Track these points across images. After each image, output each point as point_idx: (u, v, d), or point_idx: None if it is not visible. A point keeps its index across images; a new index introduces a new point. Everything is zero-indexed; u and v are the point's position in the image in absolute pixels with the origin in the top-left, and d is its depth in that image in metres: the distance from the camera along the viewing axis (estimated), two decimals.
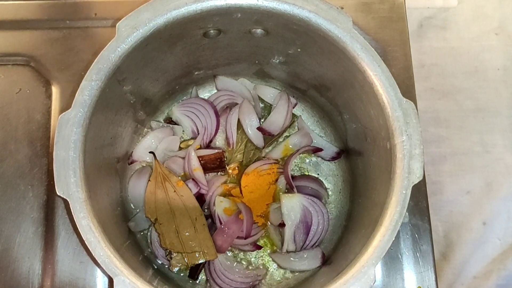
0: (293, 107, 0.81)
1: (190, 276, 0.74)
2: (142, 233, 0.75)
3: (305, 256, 0.74)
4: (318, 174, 0.80)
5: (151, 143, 0.77)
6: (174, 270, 0.72)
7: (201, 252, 0.70)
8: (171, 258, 0.71)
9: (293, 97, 0.81)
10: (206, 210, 0.76)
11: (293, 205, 0.74)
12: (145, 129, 0.79)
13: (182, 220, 0.71)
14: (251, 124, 0.78)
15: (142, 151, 0.77)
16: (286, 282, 0.75)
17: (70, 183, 0.55)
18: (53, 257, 0.74)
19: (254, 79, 0.82)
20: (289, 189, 0.76)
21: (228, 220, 0.73)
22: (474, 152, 0.90)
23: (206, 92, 0.83)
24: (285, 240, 0.73)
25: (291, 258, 0.75)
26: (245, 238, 0.73)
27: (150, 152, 0.76)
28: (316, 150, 0.79)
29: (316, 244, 0.75)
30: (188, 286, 0.74)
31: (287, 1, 0.59)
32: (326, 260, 0.73)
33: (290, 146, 0.79)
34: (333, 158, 0.80)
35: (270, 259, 0.76)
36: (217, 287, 0.73)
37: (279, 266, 0.76)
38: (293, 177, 0.77)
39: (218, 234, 0.72)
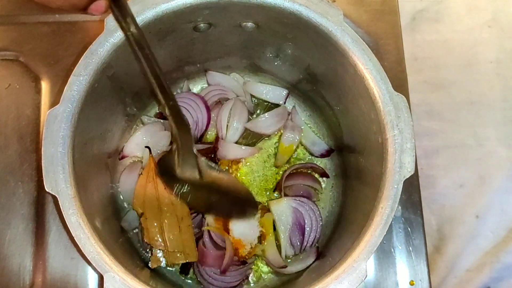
0: (285, 101, 0.81)
1: (182, 272, 0.74)
2: (134, 231, 0.75)
3: (300, 257, 0.74)
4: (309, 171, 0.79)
5: (142, 139, 0.77)
6: (152, 267, 0.71)
7: (182, 253, 0.69)
8: (151, 254, 0.70)
9: (287, 90, 0.81)
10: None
11: (282, 209, 0.73)
12: (135, 126, 0.79)
13: (168, 217, 0.70)
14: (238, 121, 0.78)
15: (133, 146, 0.77)
16: (278, 277, 0.75)
17: (59, 179, 0.54)
18: (44, 254, 0.74)
19: (246, 73, 0.82)
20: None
21: (209, 253, 0.72)
22: (467, 145, 0.90)
23: (197, 87, 0.82)
24: (282, 246, 0.73)
25: (288, 261, 0.74)
26: (221, 272, 0.72)
27: (146, 147, 0.75)
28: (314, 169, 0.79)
29: (314, 242, 0.74)
30: (180, 281, 0.74)
31: None
32: (319, 255, 0.73)
33: (285, 145, 0.79)
34: (322, 155, 0.79)
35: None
36: (206, 283, 0.72)
37: (276, 272, 0.75)
38: (286, 177, 0.77)
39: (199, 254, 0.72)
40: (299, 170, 0.78)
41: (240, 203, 0.70)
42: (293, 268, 0.73)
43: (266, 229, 0.74)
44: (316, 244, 0.75)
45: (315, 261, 0.72)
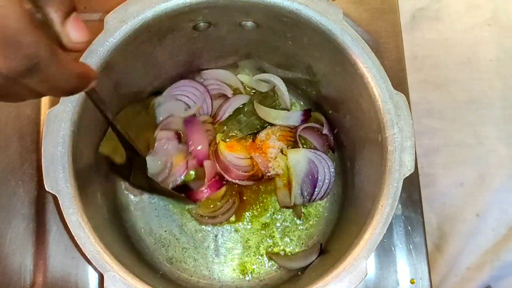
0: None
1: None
2: (134, 228, 0.75)
3: (303, 254, 0.75)
4: None
5: None
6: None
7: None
8: None
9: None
10: None
11: (298, 158, 0.75)
12: None
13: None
14: None
15: None
16: (279, 275, 0.75)
17: (59, 179, 0.55)
18: (45, 253, 0.74)
19: (246, 72, 0.81)
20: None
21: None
22: (467, 144, 0.90)
23: None
24: (292, 193, 0.75)
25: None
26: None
27: None
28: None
29: (323, 196, 0.76)
30: (184, 284, 0.74)
31: None
32: (321, 252, 0.73)
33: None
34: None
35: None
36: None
37: (279, 266, 0.75)
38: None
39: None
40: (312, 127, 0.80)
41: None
42: (296, 264, 0.73)
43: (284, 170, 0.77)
44: (324, 196, 0.77)
45: (317, 257, 0.72)
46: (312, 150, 0.76)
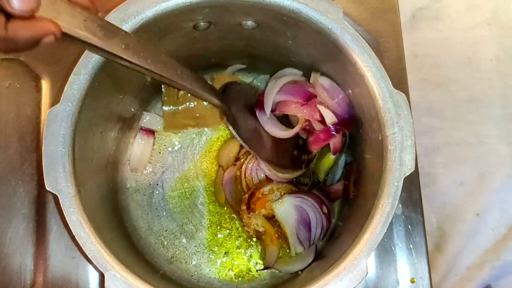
0: None
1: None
2: (134, 228, 0.75)
3: (299, 257, 0.74)
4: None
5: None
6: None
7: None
8: None
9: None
10: None
11: (285, 209, 0.73)
12: (136, 123, 0.79)
13: None
14: None
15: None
16: (280, 275, 0.75)
17: (59, 178, 0.55)
18: (45, 253, 0.74)
19: (246, 71, 0.82)
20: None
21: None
22: (467, 143, 0.90)
23: None
24: (290, 244, 0.73)
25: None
26: None
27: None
28: None
29: (322, 236, 0.74)
30: (184, 283, 0.74)
31: None
32: (319, 254, 0.73)
33: None
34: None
35: None
36: None
37: (278, 271, 0.75)
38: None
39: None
40: None
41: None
42: (291, 268, 0.73)
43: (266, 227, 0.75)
44: (322, 236, 0.75)
45: (314, 260, 0.72)
46: (298, 196, 0.74)
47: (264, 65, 0.78)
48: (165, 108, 0.76)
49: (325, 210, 0.74)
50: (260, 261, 0.76)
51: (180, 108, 0.76)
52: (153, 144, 0.79)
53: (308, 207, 0.73)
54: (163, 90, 0.76)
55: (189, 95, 0.73)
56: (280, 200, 0.73)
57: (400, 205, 0.77)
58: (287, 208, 0.73)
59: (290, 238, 0.73)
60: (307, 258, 0.73)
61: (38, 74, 0.79)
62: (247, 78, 0.82)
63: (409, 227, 0.76)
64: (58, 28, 0.40)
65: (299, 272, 0.72)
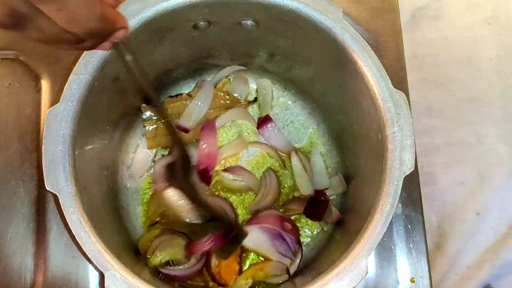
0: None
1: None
2: (134, 227, 0.75)
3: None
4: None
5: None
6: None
7: None
8: None
9: (285, 88, 0.81)
10: None
11: (254, 237, 0.72)
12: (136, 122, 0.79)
13: None
14: None
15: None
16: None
17: (59, 178, 0.55)
18: (45, 252, 0.74)
19: (246, 71, 0.81)
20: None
21: None
22: (467, 143, 0.90)
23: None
24: (275, 266, 0.73)
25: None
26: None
27: None
28: None
29: (297, 245, 0.74)
30: (184, 283, 0.74)
31: None
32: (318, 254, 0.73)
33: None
34: None
35: None
36: None
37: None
38: None
39: None
40: None
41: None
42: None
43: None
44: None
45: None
46: (256, 223, 0.73)
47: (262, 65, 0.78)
48: (147, 127, 0.77)
49: (288, 226, 0.74)
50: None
51: (161, 125, 0.77)
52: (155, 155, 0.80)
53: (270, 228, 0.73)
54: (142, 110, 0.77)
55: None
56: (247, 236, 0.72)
57: (400, 205, 0.77)
58: (255, 235, 0.72)
59: (273, 257, 0.72)
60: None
61: (38, 74, 0.80)
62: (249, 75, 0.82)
63: (409, 226, 0.76)
64: (125, 24, 0.40)
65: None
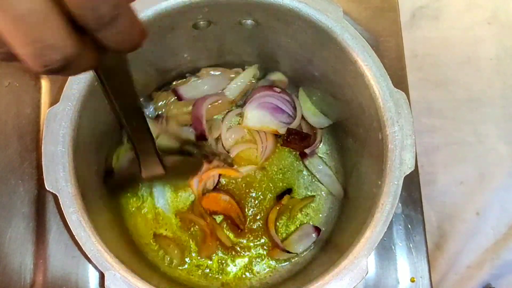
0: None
1: None
2: (134, 227, 0.75)
3: (297, 237, 0.75)
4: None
5: None
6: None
7: None
8: None
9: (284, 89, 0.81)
10: None
11: (255, 116, 0.77)
12: None
13: None
14: None
15: None
16: (280, 274, 0.75)
17: (59, 178, 0.55)
18: (45, 252, 0.74)
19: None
20: None
21: None
22: (467, 143, 0.90)
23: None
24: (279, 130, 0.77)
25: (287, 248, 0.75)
26: None
27: None
28: None
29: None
30: (184, 283, 0.74)
31: None
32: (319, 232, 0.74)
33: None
34: None
35: None
36: None
37: (278, 261, 0.75)
38: None
39: None
40: None
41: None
42: (294, 248, 0.74)
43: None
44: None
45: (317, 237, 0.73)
46: (260, 103, 0.77)
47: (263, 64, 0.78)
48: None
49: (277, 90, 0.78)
50: (263, 253, 0.76)
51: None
52: None
53: (269, 97, 0.77)
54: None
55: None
56: (244, 117, 0.77)
57: (400, 204, 0.77)
58: (256, 114, 0.76)
59: (278, 128, 0.77)
60: (307, 239, 0.75)
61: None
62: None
63: (409, 226, 0.76)
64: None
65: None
